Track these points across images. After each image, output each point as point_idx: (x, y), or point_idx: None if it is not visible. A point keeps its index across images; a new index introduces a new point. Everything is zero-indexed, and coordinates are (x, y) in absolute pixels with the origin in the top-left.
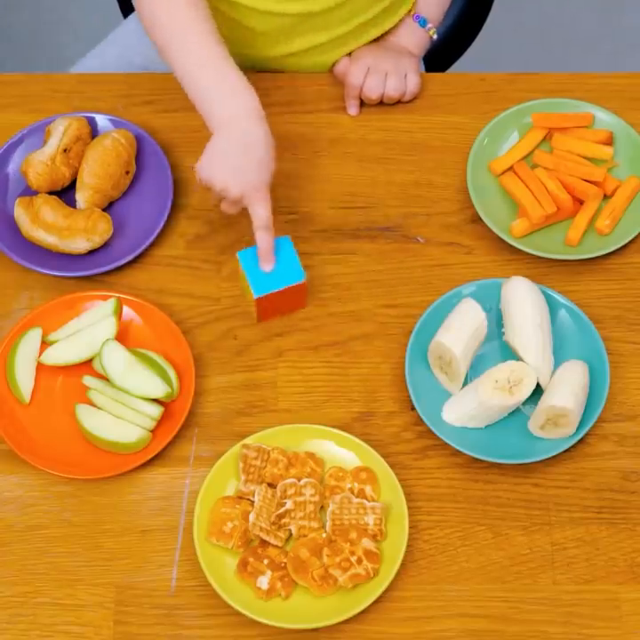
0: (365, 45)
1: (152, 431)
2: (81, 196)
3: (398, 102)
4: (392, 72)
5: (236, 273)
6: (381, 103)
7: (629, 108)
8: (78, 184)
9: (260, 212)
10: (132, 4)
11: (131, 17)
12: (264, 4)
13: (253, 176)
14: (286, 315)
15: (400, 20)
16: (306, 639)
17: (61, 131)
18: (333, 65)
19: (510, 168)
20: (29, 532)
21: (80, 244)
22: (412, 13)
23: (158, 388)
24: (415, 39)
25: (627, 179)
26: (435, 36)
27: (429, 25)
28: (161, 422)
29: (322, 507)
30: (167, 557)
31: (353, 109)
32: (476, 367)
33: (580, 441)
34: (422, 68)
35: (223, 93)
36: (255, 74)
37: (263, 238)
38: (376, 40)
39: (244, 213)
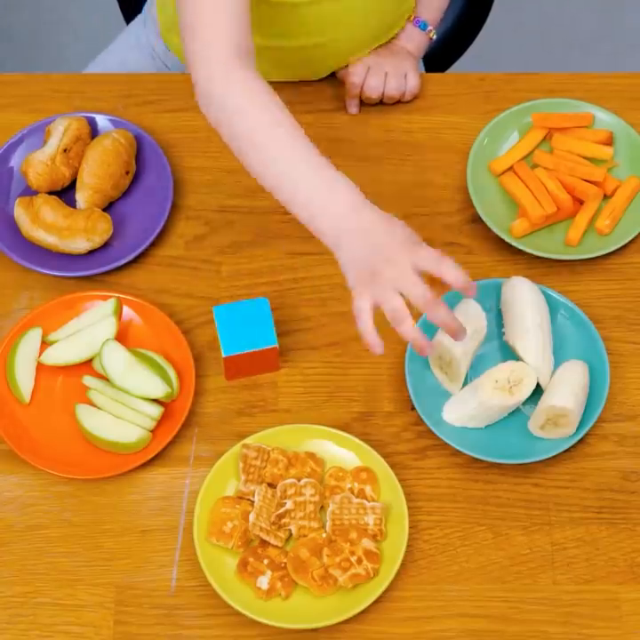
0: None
1: (152, 431)
2: (81, 196)
3: (398, 102)
4: (392, 72)
5: (240, 270)
6: (381, 103)
7: (629, 108)
8: (78, 184)
9: (417, 293)
10: (134, 7)
11: (130, 29)
12: None
13: (394, 242)
14: (256, 375)
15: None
16: (306, 639)
17: (61, 131)
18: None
19: (510, 168)
20: (29, 532)
21: (80, 244)
22: (411, 18)
23: (158, 388)
24: (416, 42)
25: (627, 179)
26: (434, 37)
27: (429, 27)
28: (161, 422)
29: (322, 507)
30: (167, 557)
31: (353, 109)
32: (476, 367)
33: (580, 441)
34: (422, 68)
35: (329, 202)
36: None
37: (438, 316)
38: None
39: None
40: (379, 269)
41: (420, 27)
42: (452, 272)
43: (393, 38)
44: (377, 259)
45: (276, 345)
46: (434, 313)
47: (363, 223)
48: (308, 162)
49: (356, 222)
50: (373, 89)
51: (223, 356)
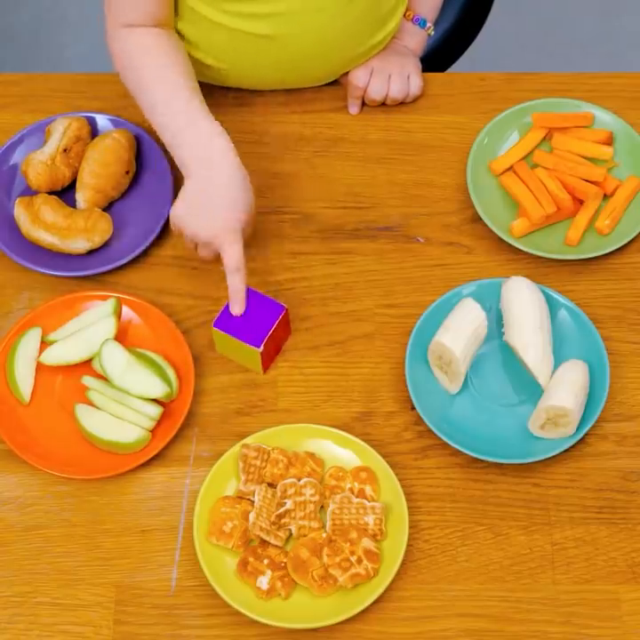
0: None
1: (151, 431)
2: (81, 196)
3: (400, 103)
4: (396, 74)
5: None
6: (383, 104)
7: (629, 108)
8: (78, 184)
9: (231, 254)
10: None
11: None
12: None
13: (222, 218)
14: (280, 352)
15: (400, 23)
16: (305, 639)
17: (61, 131)
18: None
19: (510, 168)
20: (29, 532)
21: (80, 244)
22: (410, 16)
23: (158, 388)
24: (416, 39)
25: (627, 179)
26: (432, 34)
27: (428, 24)
28: (160, 422)
29: (322, 507)
30: (167, 557)
31: (354, 109)
32: (476, 367)
33: (580, 441)
34: (420, 65)
35: (191, 139)
36: None
37: (235, 280)
38: None
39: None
40: (198, 231)
41: (419, 24)
42: (233, 280)
43: (394, 38)
44: (204, 221)
45: (286, 307)
46: (233, 276)
47: (218, 174)
48: (185, 113)
49: (210, 170)
50: (377, 92)
51: (259, 350)
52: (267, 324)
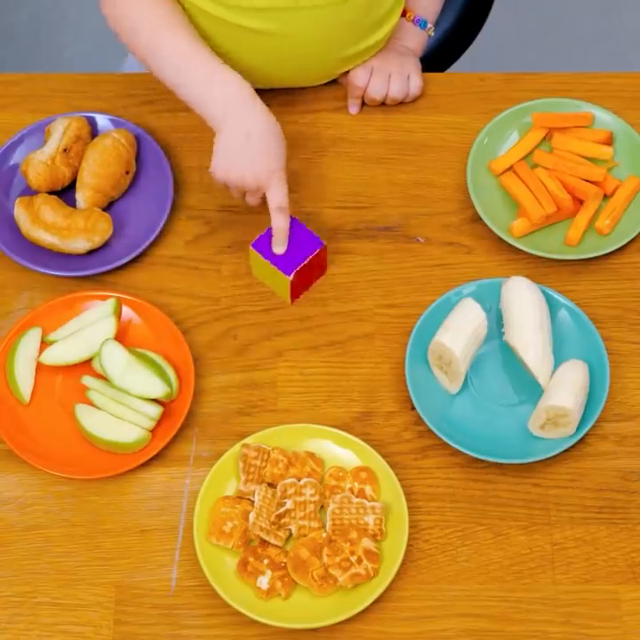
0: None
1: (151, 431)
2: (81, 196)
3: (400, 103)
4: (396, 73)
5: (240, 270)
6: (383, 104)
7: (629, 108)
8: (78, 184)
9: (275, 194)
10: None
11: None
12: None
13: (264, 161)
14: (311, 287)
15: (399, 24)
16: (305, 639)
17: (61, 131)
18: None
19: (510, 168)
20: (29, 532)
21: (80, 244)
22: (411, 17)
23: (157, 388)
24: (416, 40)
25: (627, 179)
26: (432, 34)
27: (429, 25)
28: (160, 422)
29: (322, 506)
30: (167, 557)
31: (354, 108)
32: (476, 367)
33: (580, 441)
34: (419, 65)
35: (212, 90)
36: None
37: (279, 219)
38: None
39: (244, 213)
40: (244, 175)
41: (419, 25)
42: (278, 220)
43: (393, 38)
44: (249, 164)
45: (324, 244)
46: (277, 215)
47: (254, 123)
48: (203, 66)
49: (240, 114)
50: (377, 92)
51: (289, 278)
52: (302, 256)
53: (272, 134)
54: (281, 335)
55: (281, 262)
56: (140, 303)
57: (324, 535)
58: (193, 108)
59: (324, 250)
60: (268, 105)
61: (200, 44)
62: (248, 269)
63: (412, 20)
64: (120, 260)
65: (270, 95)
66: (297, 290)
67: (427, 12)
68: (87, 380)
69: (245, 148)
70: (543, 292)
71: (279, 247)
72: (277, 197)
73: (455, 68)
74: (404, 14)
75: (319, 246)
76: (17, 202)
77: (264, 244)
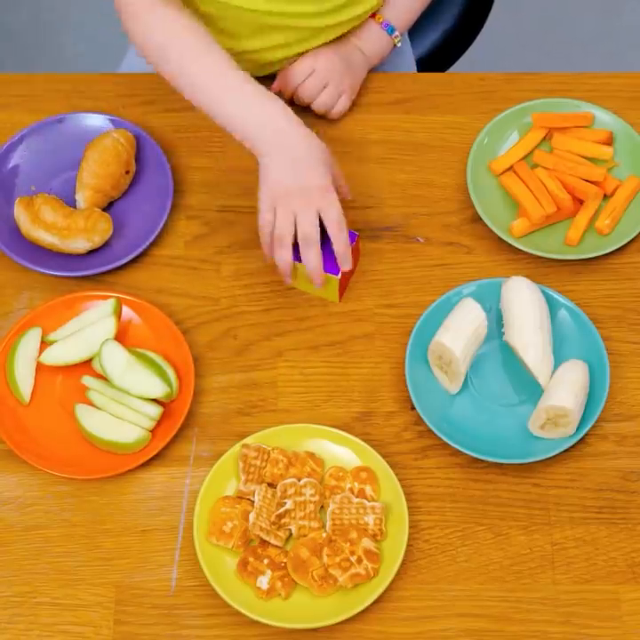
0: (324, 45)
1: (151, 431)
2: (81, 196)
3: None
4: (332, 87)
5: (240, 270)
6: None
7: (629, 108)
8: (78, 184)
9: (332, 214)
10: None
11: None
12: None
13: (314, 180)
14: (351, 279)
15: (366, 23)
16: (305, 639)
17: None
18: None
19: (510, 168)
20: (29, 532)
21: (80, 244)
22: (380, 20)
23: (157, 388)
24: (377, 46)
25: (627, 179)
26: (399, 45)
27: (396, 33)
28: (160, 422)
29: (322, 506)
30: (167, 557)
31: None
32: (476, 367)
33: (580, 441)
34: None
35: (253, 118)
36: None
37: (339, 240)
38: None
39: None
40: (291, 193)
41: (387, 30)
42: (338, 241)
43: (355, 38)
44: (295, 185)
45: (358, 234)
46: (336, 235)
47: (289, 141)
48: (240, 89)
49: (283, 139)
50: (306, 95)
51: (338, 276)
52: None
53: (319, 150)
54: (281, 335)
55: (324, 265)
56: (140, 303)
57: (324, 535)
58: (234, 134)
59: (358, 239)
60: None
61: (233, 65)
62: (248, 270)
63: (380, 23)
64: (120, 260)
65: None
66: (343, 286)
67: (398, 21)
68: (87, 380)
69: (296, 167)
70: (543, 292)
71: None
72: (334, 217)
73: (455, 68)
74: (373, 16)
75: (355, 237)
76: (17, 202)
77: (297, 252)
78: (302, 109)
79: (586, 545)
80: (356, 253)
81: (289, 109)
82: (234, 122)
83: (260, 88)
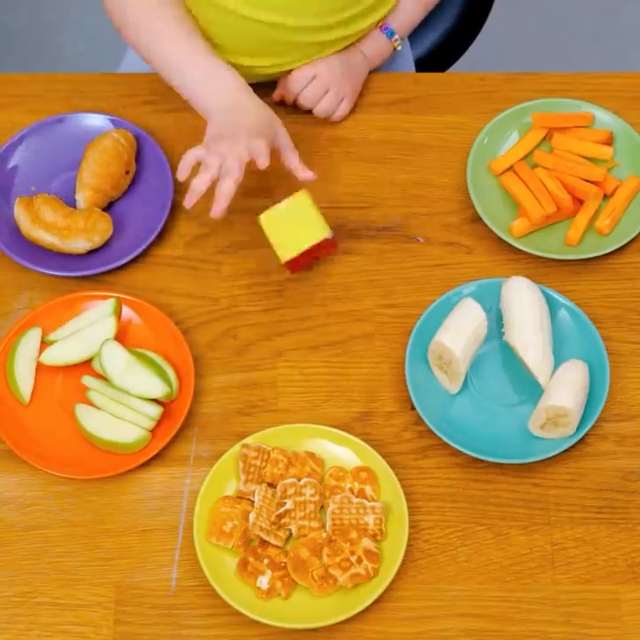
0: None
1: (151, 431)
2: (81, 196)
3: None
4: (332, 93)
5: (240, 270)
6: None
7: (629, 108)
8: (78, 184)
9: (284, 134)
10: None
11: None
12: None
13: (257, 125)
14: (313, 263)
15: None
16: (305, 639)
17: None
18: None
19: (510, 168)
20: (29, 532)
21: (80, 244)
22: (380, 24)
23: (157, 388)
24: (377, 49)
25: (627, 179)
26: (399, 48)
27: (396, 36)
28: (160, 422)
29: (322, 506)
30: (167, 557)
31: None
32: (476, 367)
33: (580, 441)
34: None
35: (207, 83)
36: None
37: (296, 155)
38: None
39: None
40: (224, 136)
41: (386, 33)
42: (292, 159)
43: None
44: (229, 131)
45: (331, 234)
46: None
47: (238, 105)
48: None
49: (233, 104)
50: (308, 100)
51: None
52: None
53: (264, 111)
54: (281, 335)
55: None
56: (140, 303)
57: (324, 535)
58: (186, 96)
59: (335, 238)
60: (267, 104)
61: (197, 38)
62: (248, 270)
63: (380, 27)
64: (120, 260)
65: (270, 95)
66: (301, 263)
67: (399, 25)
68: (87, 380)
69: (237, 122)
70: (543, 292)
71: (310, 172)
72: (285, 138)
73: (455, 68)
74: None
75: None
76: (17, 202)
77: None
78: (304, 112)
79: (586, 545)
80: (330, 248)
81: (242, 81)
82: (194, 86)
83: (220, 62)
